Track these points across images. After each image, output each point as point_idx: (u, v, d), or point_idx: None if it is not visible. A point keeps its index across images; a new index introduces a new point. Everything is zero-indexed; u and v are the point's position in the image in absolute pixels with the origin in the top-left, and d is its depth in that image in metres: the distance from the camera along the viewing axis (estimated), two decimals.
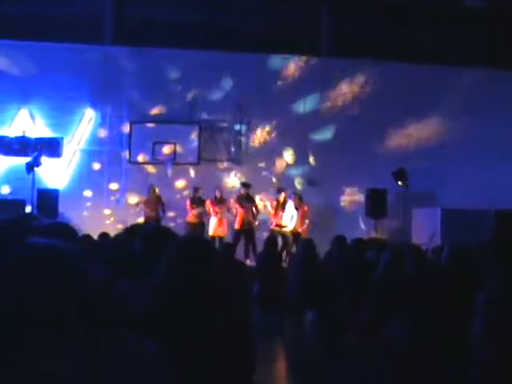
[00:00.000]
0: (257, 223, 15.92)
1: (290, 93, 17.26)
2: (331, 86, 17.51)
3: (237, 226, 15.72)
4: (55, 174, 16.72)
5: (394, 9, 17.10)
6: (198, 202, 15.88)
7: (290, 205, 15.74)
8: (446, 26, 17.01)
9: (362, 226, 17.13)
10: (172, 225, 15.29)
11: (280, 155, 17.56)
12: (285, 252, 15.06)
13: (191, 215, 15.83)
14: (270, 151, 17.52)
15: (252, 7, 17.27)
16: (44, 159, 15.52)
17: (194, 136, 17.13)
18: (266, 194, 16.96)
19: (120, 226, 14.15)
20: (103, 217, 16.78)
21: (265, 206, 16.63)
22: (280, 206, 15.76)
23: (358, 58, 17.20)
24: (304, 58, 17.57)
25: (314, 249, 9.19)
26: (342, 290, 7.37)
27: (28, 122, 16.73)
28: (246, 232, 15.70)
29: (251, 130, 17.48)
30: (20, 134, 16.54)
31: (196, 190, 16.04)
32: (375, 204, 16.17)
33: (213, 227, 15.66)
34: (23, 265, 1.82)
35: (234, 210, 15.79)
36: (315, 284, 7.98)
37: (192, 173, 17.18)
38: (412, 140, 17.61)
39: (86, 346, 1.86)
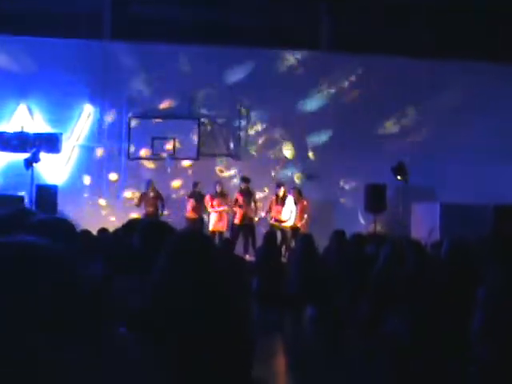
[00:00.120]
0: (257, 219, 15.92)
1: (289, 88, 17.22)
2: (331, 82, 17.49)
3: (237, 220, 15.73)
4: (54, 169, 16.70)
5: (394, 7, 17.09)
6: (197, 197, 15.88)
7: (290, 200, 15.74)
8: (445, 21, 16.98)
9: (362, 220, 17.13)
10: (170, 220, 15.28)
11: (279, 150, 17.55)
12: (284, 247, 15.06)
13: (190, 210, 15.83)
14: (269, 146, 17.51)
15: (252, 3, 17.25)
16: (43, 155, 15.49)
17: (193, 131, 17.12)
18: (266, 189, 16.93)
19: (119, 222, 14.13)
20: (102, 212, 16.77)
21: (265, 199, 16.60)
22: (279, 201, 15.76)
23: (358, 52, 17.18)
24: (304, 54, 17.55)
25: (313, 244, 9.19)
26: (341, 285, 7.37)
27: (27, 118, 16.71)
28: (246, 227, 15.71)
29: (250, 125, 17.46)
30: (19, 129, 16.52)
31: (195, 184, 16.04)
32: (374, 199, 16.15)
33: (213, 222, 15.67)
34: None
35: (237, 203, 15.73)
36: (314, 279, 7.98)
37: (190, 169, 17.16)
38: (411, 135, 17.59)
39: (83, 346, 1.85)
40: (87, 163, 17.01)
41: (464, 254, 5.50)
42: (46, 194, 15.39)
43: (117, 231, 5.53)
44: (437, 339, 4.77)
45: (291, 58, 17.53)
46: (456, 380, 4.58)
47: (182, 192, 16.83)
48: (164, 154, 16.99)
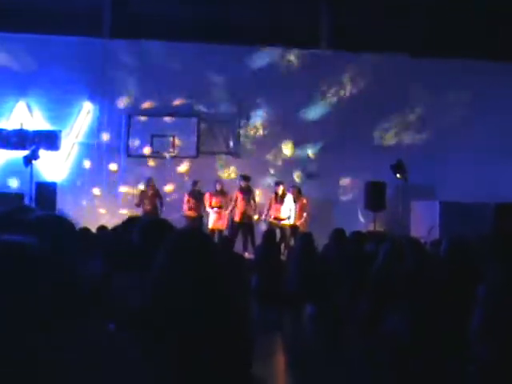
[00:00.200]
0: (256, 217, 15.90)
1: (289, 86, 17.20)
2: (331, 79, 17.47)
3: (236, 218, 15.72)
4: (53, 167, 16.69)
5: (394, 5, 17.08)
6: (196, 195, 15.88)
7: (289, 198, 15.73)
8: (446, 17, 16.97)
9: (361, 218, 17.12)
10: (170, 218, 15.24)
11: (279, 148, 17.54)
12: (283, 245, 15.05)
13: (189, 208, 15.83)
14: (269, 144, 17.50)
15: (252, 1, 17.24)
16: (42, 152, 15.49)
17: (192, 129, 17.11)
18: (265, 187, 16.92)
19: (118, 219, 14.11)
20: (101, 209, 16.76)
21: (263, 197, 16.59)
22: (278, 199, 15.74)
23: (358, 51, 17.17)
24: (303, 50, 17.53)
25: (313, 242, 9.18)
26: (340, 282, 7.36)
27: (26, 115, 16.70)
28: (246, 225, 15.70)
29: (250, 123, 17.45)
30: (18, 126, 16.52)
31: (195, 183, 16.03)
32: (374, 197, 16.15)
33: (212, 220, 15.66)
34: None
35: (235, 202, 15.72)
36: (314, 277, 7.97)
37: (190, 166, 17.15)
38: (411, 133, 17.59)
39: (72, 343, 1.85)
40: (86, 160, 16.99)
41: (463, 252, 5.49)
42: (46, 191, 15.39)
43: (116, 228, 5.52)
44: (436, 338, 4.76)
45: (291, 56, 17.50)
46: (455, 379, 4.57)
47: (180, 190, 16.80)
48: (163, 152, 16.97)
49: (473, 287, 4.47)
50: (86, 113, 17.04)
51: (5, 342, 1.77)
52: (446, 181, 16.85)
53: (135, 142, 17.07)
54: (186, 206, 15.86)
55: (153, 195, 15.89)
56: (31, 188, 15.10)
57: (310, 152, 17.47)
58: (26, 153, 15.28)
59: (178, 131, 17.05)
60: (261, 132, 17.50)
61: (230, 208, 15.78)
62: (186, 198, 15.96)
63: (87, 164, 17.00)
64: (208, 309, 3.02)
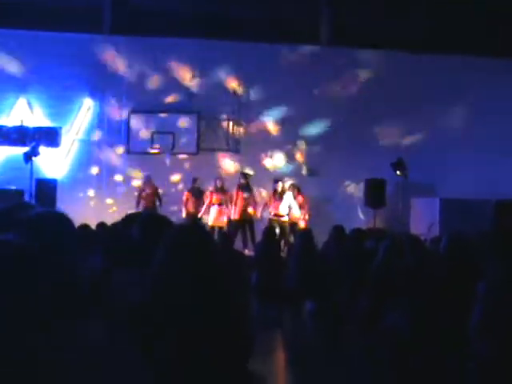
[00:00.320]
0: (259, 214, 15.86)
1: (289, 82, 17.19)
2: (331, 76, 17.45)
3: (236, 216, 15.72)
4: (53, 163, 16.69)
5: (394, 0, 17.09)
6: (196, 192, 15.87)
7: (288, 194, 15.73)
8: (446, 14, 16.96)
9: (361, 216, 17.12)
10: (169, 215, 15.24)
11: (279, 145, 17.54)
12: (283, 242, 15.04)
13: (189, 205, 15.83)
14: (269, 141, 17.50)
15: None
16: (42, 149, 15.49)
17: (192, 126, 17.11)
18: (265, 184, 16.91)
19: (118, 216, 14.11)
20: (101, 206, 16.76)
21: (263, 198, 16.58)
22: (277, 196, 15.74)
23: (358, 48, 17.16)
24: (304, 47, 17.51)
25: (312, 239, 9.16)
26: (340, 279, 7.36)
27: (26, 112, 16.70)
28: (246, 222, 15.70)
29: (250, 120, 17.45)
30: (18, 123, 16.52)
31: (195, 180, 16.03)
32: (374, 194, 16.15)
33: (212, 217, 15.65)
34: None
35: (235, 199, 15.72)
36: (313, 274, 7.97)
37: (190, 163, 17.15)
38: (411, 130, 17.57)
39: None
40: (87, 157, 16.99)
41: (463, 248, 5.49)
42: (46, 188, 15.40)
43: (116, 224, 5.52)
44: (436, 334, 4.76)
45: (291, 51, 17.47)
46: (455, 375, 4.57)
47: (180, 187, 16.80)
48: (164, 149, 16.98)
49: (472, 284, 4.47)
50: (86, 109, 17.04)
51: (5, 341, 1.77)
52: (446, 178, 16.84)
53: (135, 139, 17.06)
54: (184, 204, 15.87)
55: (151, 193, 15.88)
56: (31, 185, 15.10)
57: (310, 149, 17.44)
58: (26, 149, 15.29)
59: (178, 128, 17.05)
60: (261, 128, 17.48)
61: (230, 206, 15.78)
62: (185, 195, 15.96)
63: (87, 161, 16.99)
64: (207, 305, 3.01)
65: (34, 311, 1.81)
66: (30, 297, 1.82)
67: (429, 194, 16.42)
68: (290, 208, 15.66)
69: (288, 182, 16.33)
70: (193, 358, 2.92)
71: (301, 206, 15.88)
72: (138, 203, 15.82)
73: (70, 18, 16.29)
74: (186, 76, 17.16)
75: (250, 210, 15.74)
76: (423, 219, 15.28)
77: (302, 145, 17.55)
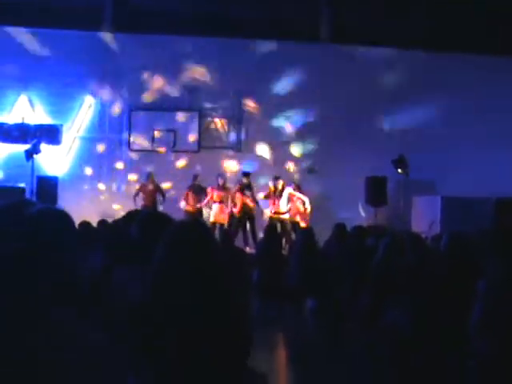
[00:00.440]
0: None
1: (289, 80, 17.19)
2: (331, 73, 17.43)
3: (237, 213, 15.74)
4: (55, 161, 16.70)
5: None
6: (197, 189, 15.88)
7: (288, 191, 15.74)
8: (446, 13, 16.95)
9: (362, 213, 17.12)
10: (170, 213, 15.22)
11: (279, 143, 17.55)
12: (284, 239, 15.05)
13: (189, 203, 15.83)
14: (270, 139, 17.50)
15: None
16: (43, 146, 15.49)
17: (194, 124, 17.11)
18: (265, 181, 16.91)
19: (119, 214, 14.13)
20: (102, 204, 16.77)
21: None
22: (277, 194, 15.75)
23: (359, 45, 17.14)
24: (304, 45, 17.49)
25: (313, 236, 9.15)
26: (341, 277, 7.36)
27: (27, 109, 16.70)
28: (246, 218, 15.71)
29: (250, 117, 17.45)
30: (19, 120, 16.52)
31: (195, 177, 16.03)
32: (375, 192, 16.15)
33: (214, 214, 15.66)
34: None
35: (236, 200, 15.75)
36: (315, 272, 7.97)
37: (191, 161, 17.15)
38: (412, 127, 17.55)
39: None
40: (88, 154, 17.00)
41: (463, 246, 5.48)
42: (47, 186, 15.41)
43: (116, 222, 5.53)
44: (437, 332, 4.76)
45: (291, 49, 17.44)
46: (455, 374, 4.57)
47: (181, 184, 16.80)
48: (165, 146, 16.99)
49: (473, 282, 4.47)
50: (87, 107, 17.04)
51: (5, 341, 1.77)
52: (447, 176, 16.83)
53: (137, 136, 17.07)
54: (185, 201, 15.88)
55: (153, 190, 15.88)
56: (32, 182, 15.11)
57: (311, 147, 17.44)
58: (27, 147, 15.28)
59: (179, 125, 17.05)
60: (261, 126, 17.48)
61: (230, 204, 15.79)
62: (185, 192, 15.98)
63: (88, 158, 17.00)
64: (207, 304, 3.01)
65: (33, 311, 1.82)
66: (29, 297, 1.82)
67: (430, 192, 16.42)
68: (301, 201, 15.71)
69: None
70: (192, 356, 2.92)
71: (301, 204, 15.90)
72: (136, 195, 15.83)
73: (71, 16, 16.29)
74: (187, 73, 17.15)
75: (251, 208, 15.75)
76: (424, 217, 15.28)
77: (302, 142, 17.53)
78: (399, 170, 15.93)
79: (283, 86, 17.25)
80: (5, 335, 1.78)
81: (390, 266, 5.76)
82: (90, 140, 17.05)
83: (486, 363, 4.22)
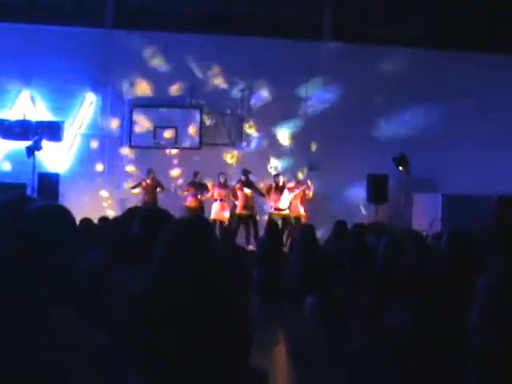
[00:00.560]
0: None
1: (291, 77, 17.17)
2: (333, 71, 17.41)
3: (238, 210, 15.75)
4: (56, 157, 16.69)
5: None
6: (197, 186, 15.88)
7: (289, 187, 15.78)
8: (446, 11, 16.93)
9: (363, 211, 17.11)
10: (171, 209, 15.21)
11: (281, 140, 17.54)
12: (287, 235, 15.04)
13: (190, 199, 15.83)
14: (271, 136, 17.49)
15: None
16: (45, 143, 15.49)
17: (195, 121, 17.11)
18: (266, 178, 16.90)
19: (120, 210, 14.12)
20: (103, 200, 16.77)
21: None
22: (278, 190, 15.75)
23: (360, 43, 17.12)
24: (306, 43, 17.46)
25: (314, 234, 9.15)
26: (342, 275, 7.36)
27: (29, 106, 16.69)
28: (248, 217, 15.72)
29: (252, 114, 17.44)
30: (21, 117, 16.51)
31: (195, 174, 16.02)
32: (376, 190, 16.13)
33: (215, 211, 15.66)
34: None
35: (238, 196, 15.77)
36: (315, 268, 7.96)
37: (192, 158, 17.14)
38: (413, 125, 17.53)
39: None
40: (89, 151, 16.99)
41: (464, 244, 5.48)
42: (48, 182, 15.40)
43: (117, 219, 5.52)
44: (437, 332, 4.75)
45: (294, 46, 17.41)
46: (455, 373, 4.57)
47: (181, 181, 16.79)
48: (166, 143, 17.00)
49: (474, 280, 4.46)
50: (88, 104, 17.03)
51: (5, 341, 1.77)
52: (448, 174, 16.82)
53: (138, 133, 17.06)
54: (186, 197, 15.92)
55: (153, 186, 15.87)
56: (34, 179, 15.11)
57: (313, 144, 17.43)
58: (28, 143, 15.28)
59: (180, 122, 17.05)
60: (263, 123, 17.47)
61: (231, 198, 15.82)
62: (185, 188, 15.98)
63: (90, 155, 16.99)
64: (207, 302, 3.00)
65: (33, 311, 1.81)
66: (29, 297, 1.82)
67: (431, 190, 16.41)
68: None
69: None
70: (193, 357, 2.92)
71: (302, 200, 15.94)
72: (133, 187, 15.86)
73: (72, 12, 16.29)
74: (189, 70, 17.15)
75: (252, 205, 15.78)
76: (425, 215, 15.26)
77: (303, 140, 17.52)
78: (400, 168, 15.91)
79: (284, 83, 17.22)
80: (5, 335, 1.77)
81: (390, 265, 5.76)
82: (91, 137, 17.04)
83: (486, 363, 4.21)
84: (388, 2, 17.09)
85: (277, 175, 16.05)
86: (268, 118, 17.44)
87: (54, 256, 1.88)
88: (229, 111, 17.34)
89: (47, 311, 1.82)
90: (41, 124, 16.33)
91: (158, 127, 16.97)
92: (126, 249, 3.88)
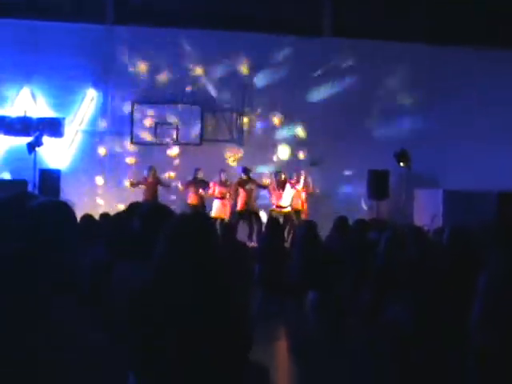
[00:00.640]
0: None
1: (292, 74, 17.17)
2: (333, 67, 17.39)
3: (239, 207, 15.76)
4: (57, 154, 16.69)
5: None
6: (198, 183, 15.87)
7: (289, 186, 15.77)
8: (447, 6, 16.92)
9: (364, 207, 17.10)
10: (173, 207, 15.24)
11: (282, 136, 17.53)
12: (288, 231, 15.04)
13: (192, 196, 15.82)
14: (272, 132, 17.48)
15: None
16: (46, 139, 15.49)
17: (196, 117, 17.10)
18: (267, 175, 16.89)
19: (122, 207, 14.12)
20: (105, 197, 16.77)
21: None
22: (279, 187, 15.75)
23: (359, 39, 17.10)
24: (305, 40, 17.43)
25: (315, 229, 9.14)
26: (343, 270, 7.36)
27: (30, 102, 16.68)
28: (251, 214, 15.71)
29: (253, 111, 17.43)
30: (22, 113, 16.49)
31: (197, 171, 16.01)
32: (377, 185, 16.12)
33: (215, 209, 15.66)
34: None
35: (238, 194, 15.78)
36: (317, 263, 7.96)
37: (193, 154, 17.13)
38: (414, 121, 17.51)
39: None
40: (90, 148, 16.98)
41: (465, 240, 5.48)
42: (49, 179, 15.40)
43: (119, 215, 5.51)
44: (438, 328, 4.75)
45: (293, 43, 17.39)
46: (456, 369, 4.57)
47: (182, 177, 16.78)
48: (167, 140, 16.99)
49: (475, 275, 4.46)
50: (89, 100, 17.02)
51: (5, 341, 1.77)
52: (449, 169, 16.81)
53: (139, 130, 17.06)
54: (186, 194, 15.92)
55: (153, 183, 15.84)
56: (35, 175, 15.11)
57: (313, 140, 17.39)
58: (29, 140, 15.28)
59: (181, 119, 17.04)
60: (264, 120, 17.46)
61: (232, 196, 15.83)
62: (185, 184, 15.98)
63: (91, 151, 16.98)
64: (207, 299, 2.99)
65: (33, 311, 1.81)
66: (29, 297, 1.82)
67: (432, 186, 16.40)
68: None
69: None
70: (193, 356, 2.91)
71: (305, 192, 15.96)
72: (134, 185, 15.82)
73: (73, 9, 16.28)
74: (189, 66, 17.14)
75: (253, 203, 15.80)
76: (426, 210, 15.26)
77: (304, 135, 17.51)
78: (401, 164, 15.91)
79: (285, 79, 17.21)
80: (5, 335, 1.77)
81: (391, 260, 5.76)
82: (92, 133, 17.03)
83: (486, 359, 4.21)
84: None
85: (277, 173, 16.05)
86: (268, 114, 17.43)
87: (54, 256, 1.89)
88: (230, 107, 17.32)
89: (47, 311, 1.82)
90: (42, 120, 16.32)
91: (159, 123, 16.97)
92: (127, 245, 3.89)
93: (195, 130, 17.13)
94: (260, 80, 17.28)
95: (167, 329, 2.92)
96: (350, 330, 6.37)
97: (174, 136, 16.98)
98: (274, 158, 17.42)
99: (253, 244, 14.45)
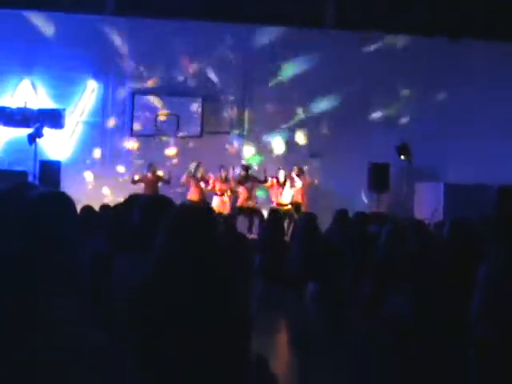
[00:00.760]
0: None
1: (293, 65, 17.15)
2: (334, 59, 17.36)
3: (239, 203, 15.79)
4: (57, 145, 16.68)
5: None
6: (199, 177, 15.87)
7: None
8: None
9: (365, 200, 17.10)
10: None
11: (282, 128, 17.51)
12: (288, 224, 15.03)
13: (192, 191, 15.81)
14: (273, 124, 17.46)
15: None
16: (46, 130, 15.49)
17: (196, 108, 17.08)
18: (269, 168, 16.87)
19: (121, 199, 14.09)
20: (105, 188, 16.76)
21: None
22: (280, 184, 15.75)
23: (362, 31, 17.07)
24: (307, 31, 17.40)
25: (315, 221, 9.14)
26: (343, 264, 7.35)
27: (30, 93, 16.66)
28: (250, 211, 15.72)
29: (254, 102, 17.40)
30: (22, 104, 16.48)
31: (198, 165, 15.99)
32: (378, 178, 16.12)
33: (215, 205, 15.64)
34: None
35: (238, 191, 15.80)
36: (316, 255, 7.96)
37: (194, 145, 17.12)
38: (415, 114, 17.50)
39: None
40: (90, 139, 16.97)
41: (466, 233, 5.48)
42: (50, 170, 15.41)
43: (118, 207, 5.50)
44: (439, 320, 4.76)
45: (294, 33, 17.34)
46: (456, 361, 4.57)
47: (183, 169, 16.77)
48: (167, 131, 16.98)
49: (475, 269, 4.47)
50: (90, 91, 17.01)
51: (5, 341, 1.77)
52: (450, 163, 16.81)
53: (139, 121, 17.05)
54: (186, 187, 15.92)
55: (154, 181, 15.80)
56: (35, 166, 15.11)
57: (314, 132, 17.38)
58: (30, 131, 15.28)
59: (182, 110, 17.02)
60: (265, 112, 17.43)
61: (233, 192, 15.85)
62: (186, 179, 15.95)
63: (91, 143, 16.98)
64: (208, 287, 2.98)
65: (33, 311, 1.81)
66: (29, 297, 1.82)
67: (433, 179, 16.40)
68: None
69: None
70: (192, 354, 2.90)
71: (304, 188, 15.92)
72: (134, 182, 15.78)
73: None
74: (191, 58, 17.11)
75: (253, 200, 15.80)
76: (427, 204, 15.28)
77: (305, 128, 17.50)
78: (402, 157, 15.91)
79: (287, 72, 17.19)
80: (5, 335, 1.77)
81: (392, 253, 5.76)
82: (92, 124, 17.01)
83: (486, 351, 4.22)
84: None
85: (278, 169, 16.04)
86: (270, 107, 17.42)
87: (54, 256, 1.88)
88: (231, 99, 17.30)
89: (47, 311, 1.82)
90: (42, 111, 16.31)
91: (160, 115, 16.96)
92: (127, 236, 3.88)
93: (195, 122, 17.10)
94: (262, 72, 17.23)
95: (167, 327, 2.91)
96: (351, 322, 6.37)
97: (175, 127, 16.96)
98: (275, 151, 17.40)
99: (252, 236, 14.44)
